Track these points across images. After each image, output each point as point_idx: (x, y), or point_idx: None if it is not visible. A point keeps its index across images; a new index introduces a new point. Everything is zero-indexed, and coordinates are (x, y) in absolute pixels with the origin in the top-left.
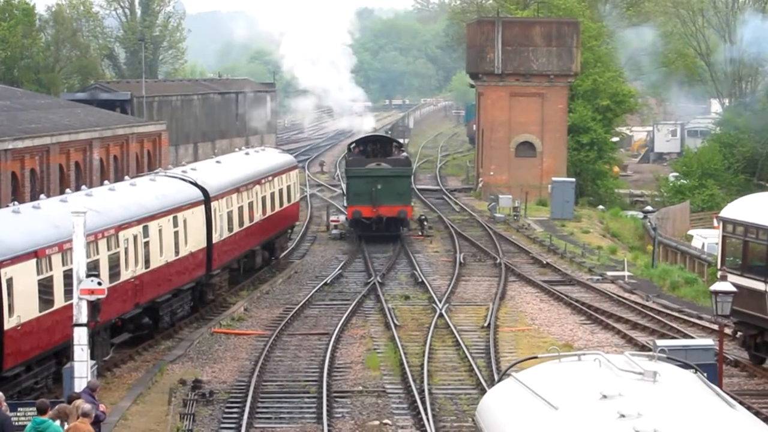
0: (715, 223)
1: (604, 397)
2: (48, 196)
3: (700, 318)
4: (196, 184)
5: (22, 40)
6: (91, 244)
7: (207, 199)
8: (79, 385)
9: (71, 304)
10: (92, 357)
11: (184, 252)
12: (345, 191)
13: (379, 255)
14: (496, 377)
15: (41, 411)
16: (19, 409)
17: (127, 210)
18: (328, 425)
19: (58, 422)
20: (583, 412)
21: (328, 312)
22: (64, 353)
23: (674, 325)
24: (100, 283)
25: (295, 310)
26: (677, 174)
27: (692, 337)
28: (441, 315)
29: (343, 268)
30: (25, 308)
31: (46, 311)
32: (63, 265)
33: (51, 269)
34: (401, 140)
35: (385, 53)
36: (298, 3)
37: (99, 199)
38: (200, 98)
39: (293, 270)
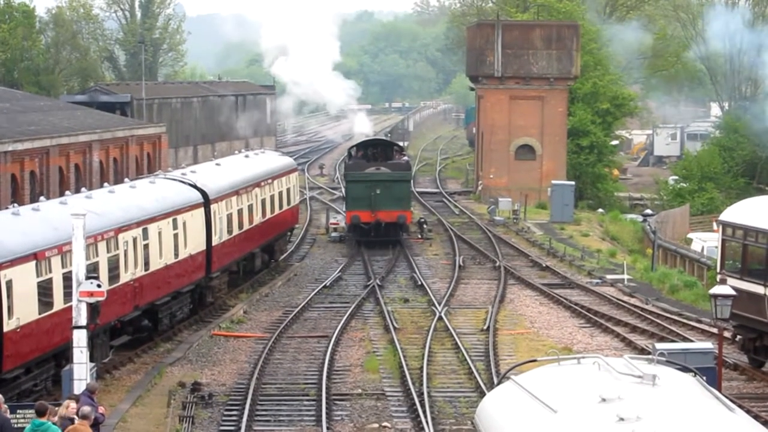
0: (715, 227)
1: (604, 400)
2: (47, 198)
3: (700, 321)
4: (195, 187)
5: (22, 42)
6: (91, 246)
7: (206, 202)
8: (79, 387)
9: (70, 307)
10: (91, 359)
11: (183, 254)
12: (344, 196)
13: (378, 258)
14: (495, 380)
15: (40, 413)
16: (18, 411)
17: (127, 212)
18: (327, 428)
19: (55, 419)
20: (582, 416)
21: (327, 315)
22: (63, 355)
23: (673, 328)
24: (99, 286)
25: (294, 313)
26: (677, 177)
27: (691, 341)
28: (440, 318)
29: (343, 271)
30: (25, 310)
31: (46, 313)
32: (62, 267)
33: (50, 271)
34: (401, 143)
35: (385, 56)
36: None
37: (98, 201)
38: (200, 101)
39: (293, 273)
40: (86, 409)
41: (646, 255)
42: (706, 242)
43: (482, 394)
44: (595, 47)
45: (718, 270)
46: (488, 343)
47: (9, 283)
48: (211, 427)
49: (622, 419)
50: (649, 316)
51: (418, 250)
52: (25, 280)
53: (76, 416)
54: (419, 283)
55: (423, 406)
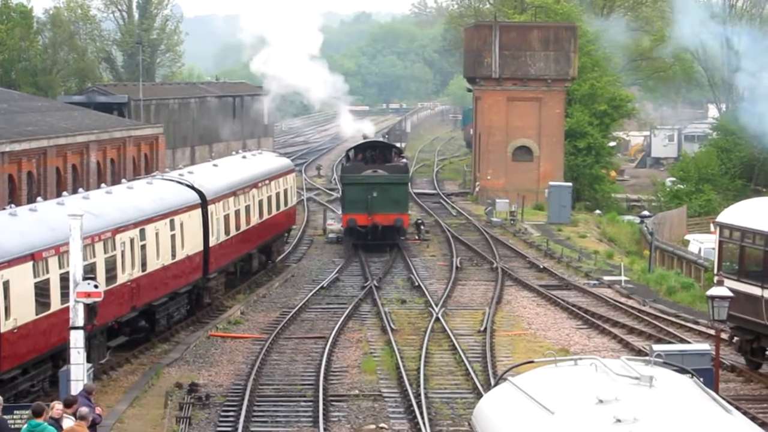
0: (712, 228)
1: (601, 401)
2: (45, 198)
3: (697, 323)
4: (193, 188)
5: (19, 43)
6: (88, 247)
7: (204, 203)
8: (76, 388)
9: (68, 307)
10: (88, 360)
11: (180, 255)
12: (340, 198)
13: (375, 259)
14: (492, 381)
15: (37, 414)
16: (15, 411)
17: (124, 213)
18: (324, 429)
19: (47, 419)
20: (579, 417)
21: (324, 316)
22: (60, 356)
23: (671, 330)
24: (96, 286)
25: (291, 314)
26: (674, 179)
27: (689, 342)
28: (437, 319)
29: (340, 272)
30: (22, 311)
31: (43, 314)
32: (60, 267)
33: (48, 272)
34: (400, 145)
35: (383, 57)
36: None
37: (96, 202)
38: (197, 101)
39: (290, 273)
40: (84, 410)
41: (643, 256)
42: (703, 244)
43: (479, 396)
44: (592, 49)
45: (716, 271)
46: (485, 344)
47: (6, 284)
48: (208, 428)
49: (619, 421)
50: (646, 318)
51: (416, 251)
52: (22, 280)
53: (72, 417)
54: (416, 284)
55: (420, 407)
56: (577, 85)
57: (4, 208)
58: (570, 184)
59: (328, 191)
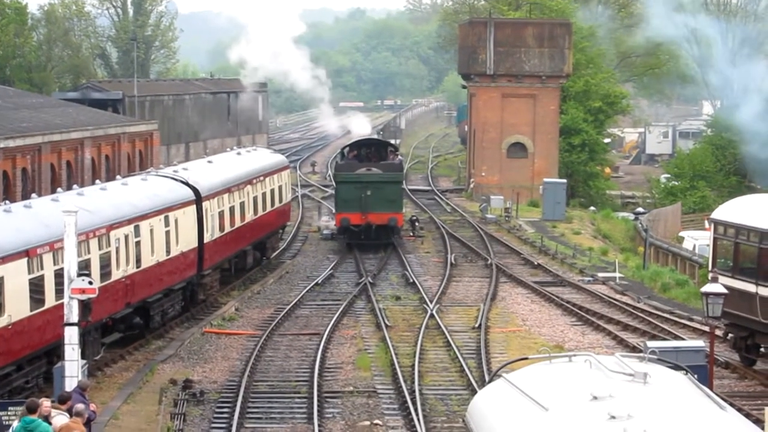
0: (707, 225)
1: (595, 398)
2: (39, 195)
3: (691, 319)
4: (187, 184)
5: (14, 39)
6: (83, 243)
7: (198, 199)
8: (70, 385)
9: (62, 304)
10: (83, 356)
11: (175, 252)
12: (334, 197)
13: (370, 256)
14: (486, 378)
15: (31, 410)
16: (9, 408)
17: (119, 209)
18: (319, 425)
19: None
20: (573, 414)
21: (319, 312)
22: (54, 353)
23: (665, 326)
24: (91, 283)
25: (286, 311)
26: (669, 175)
27: (683, 339)
28: (432, 316)
29: (334, 269)
30: (16, 307)
31: (37, 310)
32: (54, 264)
33: (42, 268)
34: (394, 141)
35: (377, 54)
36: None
37: (90, 198)
38: (192, 98)
39: (284, 270)
40: (80, 406)
41: (637, 253)
42: (697, 240)
43: (473, 392)
44: (587, 45)
45: (710, 268)
46: (480, 340)
47: (0, 280)
48: (203, 424)
49: (613, 417)
50: (640, 314)
51: (410, 247)
52: (16, 277)
53: (65, 414)
54: (411, 280)
55: (414, 403)
56: (572, 82)
57: None
58: (564, 180)
59: (322, 188)
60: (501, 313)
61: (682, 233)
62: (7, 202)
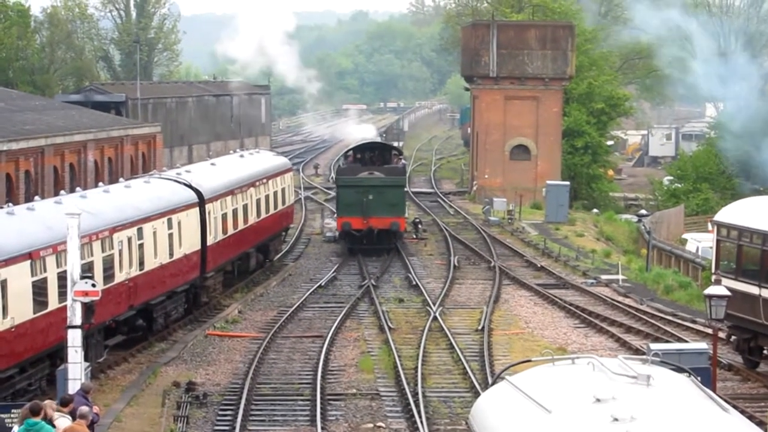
0: (710, 227)
1: (598, 400)
2: (42, 197)
3: (694, 322)
4: (190, 186)
5: (17, 42)
6: (86, 245)
7: (201, 202)
8: (73, 387)
9: (65, 306)
10: (86, 359)
11: (178, 254)
12: (335, 201)
13: (373, 258)
14: (489, 380)
15: (35, 412)
16: (12, 410)
17: (122, 212)
18: (322, 428)
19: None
20: (576, 416)
21: (322, 315)
22: (57, 355)
23: (668, 328)
24: (94, 285)
25: (289, 313)
26: (672, 178)
27: (686, 341)
28: (435, 318)
29: (337, 271)
30: (19, 310)
31: (40, 313)
32: (57, 266)
33: (45, 271)
34: (397, 143)
35: (380, 56)
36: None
37: (93, 200)
38: (195, 100)
39: (287, 272)
40: (84, 409)
41: (640, 255)
42: (700, 243)
43: (477, 394)
44: (590, 48)
45: (713, 270)
46: (483, 343)
47: (4, 283)
48: (206, 426)
49: (616, 419)
50: (643, 317)
51: (413, 250)
52: (19, 279)
53: (68, 416)
54: (414, 283)
55: (417, 406)
56: (575, 84)
57: (1, 207)
58: (567, 183)
59: (325, 190)
60: (504, 316)
61: (685, 235)
62: (10, 204)
